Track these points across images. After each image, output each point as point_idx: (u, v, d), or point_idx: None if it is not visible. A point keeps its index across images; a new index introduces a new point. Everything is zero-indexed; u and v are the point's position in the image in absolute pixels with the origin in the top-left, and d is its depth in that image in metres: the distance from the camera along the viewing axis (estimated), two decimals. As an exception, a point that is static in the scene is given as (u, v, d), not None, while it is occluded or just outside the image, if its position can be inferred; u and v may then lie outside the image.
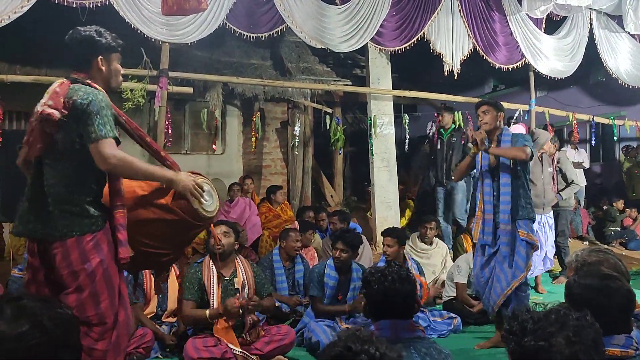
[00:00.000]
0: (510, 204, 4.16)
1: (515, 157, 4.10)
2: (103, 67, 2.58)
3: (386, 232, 5.18)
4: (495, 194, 4.23)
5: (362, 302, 4.23)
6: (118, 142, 2.48)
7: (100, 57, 2.57)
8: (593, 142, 9.52)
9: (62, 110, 2.38)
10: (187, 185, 2.59)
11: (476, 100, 8.70)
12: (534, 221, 4.28)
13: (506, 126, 4.43)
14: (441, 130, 7.31)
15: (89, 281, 2.44)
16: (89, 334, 2.45)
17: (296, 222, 6.94)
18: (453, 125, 7.26)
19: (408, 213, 8.41)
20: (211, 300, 3.90)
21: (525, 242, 4.15)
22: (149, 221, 2.68)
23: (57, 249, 2.43)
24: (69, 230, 2.43)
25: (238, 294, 3.83)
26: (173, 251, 2.89)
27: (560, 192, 6.63)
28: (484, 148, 4.16)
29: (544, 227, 6.15)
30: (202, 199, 2.66)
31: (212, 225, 3.03)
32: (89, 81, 2.52)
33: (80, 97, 2.41)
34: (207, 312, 3.81)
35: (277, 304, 4.69)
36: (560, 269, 6.81)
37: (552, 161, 6.53)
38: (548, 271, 6.65)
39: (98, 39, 2.58)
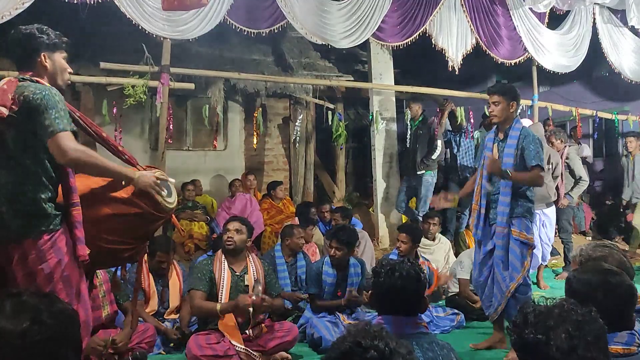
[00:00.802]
0: (509, 205, 3.97)
1: (533, 184, 3.99)
2: (47, 64, 2.54)
3: (402, 229, 5.21)
4: (496, 191, 4.06)
5: (354, 293, 4.28)
6: (76, 137, 2.44)
7: (43, 54, 2.53)
8: (595, 137, 9.49)
9: (11, 107, 2.32)
10: (147, 182, 2.61)
11: (478, 95, 8.75)
12: (531, 220, 4.08)
13: (518, 117, 4.14)
14: (410, 121, 7.18)
15: (47, 282, 2.38)
16: None
17: (296, 218, 6.93)
18: (422, 117, 7.11)
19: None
20: (220, 295, 3.89)
21: (520, 241, 3.96)
22: (111, 216, 2.66)
23: (13, 250, 2.37)
24: (25, 230, 2.38)
25: (250, 292, 3.78)
26: (135, 245, 2.87)
27: (570, 193, 6.52)
28: (508, 177, 3.92)
29: (534, 223, 5.99)
30: (162, 192, 2.70)
31: (173, 217, 3.04)
32: (37, 78, 2.48)
33: (32, 92, 2.37)
34: (219, 306, 3.78)
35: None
36: (563, 264, 6.80)
37: (561, 157, 6.41)
38: (545, 266, 6.58)
39: (39, 35, 2.54)
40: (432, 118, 7.25)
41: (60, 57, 2.60)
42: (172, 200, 2.80)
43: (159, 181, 2.67)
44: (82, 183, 2.59)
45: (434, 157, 6.83)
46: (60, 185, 2.51)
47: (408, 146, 7.07)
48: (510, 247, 3.98)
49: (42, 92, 2.38)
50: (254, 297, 3.69)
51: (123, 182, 2.64)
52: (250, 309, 3.69)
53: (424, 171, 6.83)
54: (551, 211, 6.09)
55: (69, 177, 2.51)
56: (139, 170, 2.71)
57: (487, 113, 8.17)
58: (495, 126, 4.18)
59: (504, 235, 3.98)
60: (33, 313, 1.28)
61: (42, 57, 2.53)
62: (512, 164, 3.97)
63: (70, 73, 2.68)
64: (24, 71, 2.52)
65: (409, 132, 7.19)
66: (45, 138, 2.35)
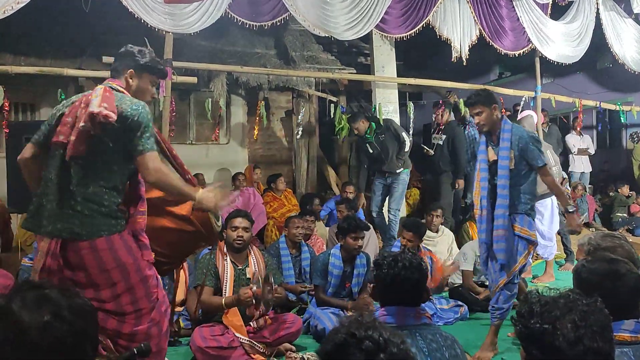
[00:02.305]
0: (507, 208, 3.88)
1: (555, 184, 4.08)
2: (131, 81, 2.68)
3: (408, 227, 5.12)
4: (495, 191, 3.97)
5: (364, 300, 4.27)
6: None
7: (131, 70, 2.66)
8: (600, 128, 9.46)
9: (116, 113, 2.43)
10: (212, 203, 2.74)
11: (482, 87, 8.73)
12: (534, 217, 4.02)
13: (506, 118, 4.07)
14: (365, 135, 6.72)
15: (122, 277, 2.52)
16: (125, 322, 2.55)
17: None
18: (373, 126, 6.70)
19: (412, 200, 8.40)
20: (224, 289, 3.93)
21: (519, 237, 3.89)
22: (167, 230, 2.85)
23: (85, 249, 2.46)
24: (97, 230, 2.48)
25: (250, 284, 3.83)
26: (175, 260, 3.07)
27: None
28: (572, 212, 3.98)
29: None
30: (218, 215, 2.93)
31: (219, 241, 3.31)
32: (123, 91, 2.61)
33: (129, 106, 2.49)
34: (223, 300, 3.84)
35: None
36: (565, 255, 6.80)
37: None
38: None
39: (137, 55, 2.69)
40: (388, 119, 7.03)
41: (147, 80, 2.73)
42: (219, 224, 2.99)
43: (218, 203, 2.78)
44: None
45: (406, 149, 6.64)
46: (130, 192, 2.63)
47: (372, 153, 6.71)
48: (511, 242, 3.91)
49: (138, 108, 2.50)
50: (254, 288, 3.72)
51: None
52: (253, 300, 3.73)
53: (402, 168, 6.64)
54: (542, 204, 6.00)
55: (140, 185, 2.65)
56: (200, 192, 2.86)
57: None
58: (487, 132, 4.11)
59: (501, 237, 3.90)
60: (54, 307, 1.27)
61: (129, 74, 2.67)
62: (508, 167, 3.92)
63: (153, 97, 2.81)
64: (114, 80, 2.65)
65: (367, 144, 6.75)
66: (136, 155, 2.48)
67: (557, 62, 8.25)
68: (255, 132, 7.76)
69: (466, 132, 7.44)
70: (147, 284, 2.61)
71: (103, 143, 2.47)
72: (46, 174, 2.57)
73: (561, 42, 8.11)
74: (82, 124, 2.42)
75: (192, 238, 2.94)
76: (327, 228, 6.67)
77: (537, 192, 4.11)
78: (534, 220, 4.05)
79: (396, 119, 7.61)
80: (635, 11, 8.32)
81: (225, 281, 3.95)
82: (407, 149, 6.66)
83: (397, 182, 6.69)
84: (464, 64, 7.43)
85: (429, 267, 5.08)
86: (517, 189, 3.93)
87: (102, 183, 2.50)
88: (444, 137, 7.32)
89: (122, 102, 2.50)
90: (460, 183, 7.24)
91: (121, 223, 2.55)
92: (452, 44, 7.39)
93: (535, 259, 6.69)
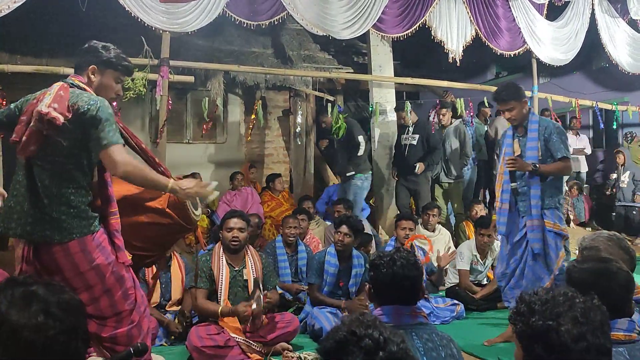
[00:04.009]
0: (540, 198, 3.97)
1: (562, 175, 4.09)
2: (93, 77, 2.60)
3: (404, 217, 5.19)
4: (523, 184, 4.04)
5: (360, 301, 4.27)
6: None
7: (93, 66, 2.59)
8: (601, 126, 9.47)
9: (66, 114, 2.37)
10: (190, 191, 2.65)
11: (478, 86, 8.75)
12: (562, 210, 4.14)
13: (533, 110, 4.15)
14: (332, 129, 6.78)
15: (99, 279, 2.49)
16: (106, 325, 2.53)
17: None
18: (341, 124, 6.77)
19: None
20: (219, 290, 3.91)
21: (554, 232, 3.98)
22: (144, 225, 2.82)
23: (58, 252, 2.43)
24: (69, 232, 2.43)
25: (252, 300, 3.78)
26: (157, 253, 3.06)
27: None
28: (536, 171, 3.93)
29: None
30: (195, 204, 2.88)
31: (199, 230, 3.21)
32: (85, 86, 2.54)
33: (86, 102, 2.42)
34: (220, 309, 3.81)
35: (279, 292, 4.70)
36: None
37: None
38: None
39: (100, 51, 2.63)
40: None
41: (110, 77, 2.65)
42: (198, 213, 2.95)
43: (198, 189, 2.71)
44: (115, 190, 2.66)
45: (359, 153, 6.45)
46: (99, 193, 2.58)
47: (329, 150, 6.67)
48: (547, 239, 3.99)
49: (95, 103, 2.43)
50: (254, 306, 3.70)
51: (164, 193, 2.77)
52: (251, 317, 3.72)
53: (353, 172, 6.47)
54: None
55: (108, 186, 2.59)
56: (174, 180, 2.80)
57: (485, 103, 8.21)
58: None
59: (536, 227, 3.98)
60: (44, 305, 1.26)
61: (91, 69, 2.60)
62: (536, 157, 3.97)
63: (117, 95, 2.71)
64: (76, 76, 2.59)
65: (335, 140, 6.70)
66: (98, 150, 2.42)
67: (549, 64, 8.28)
68: (249, 131, 7.75)
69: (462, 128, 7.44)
70: (124, 286, 2.57)
71: (58, 142, 2.41)
72: (15, 175, 2.53)
73: (551, 44, 8.11)
74: (32, 124, 2.37)
75: (170, 230, 2.93)
76: (325, 227, 6.67)
77: (563, 186, 4.19)
78: (562, 214, 4.15)
79: (393, 118, 7.62)
80: (631, 15, 8.34)
81: (220, 283, 3.93)
82: (360, 153, 6.44)
83: (349, 187, 6.50)
84: (457, 64, 7.44)
85: (422, 256, 5.15)
86: (543, 183, 3.99)
87: (67, 184, 2.46)
88: (416, 136, 7.01)
89: (79, 98, 2.44)
90: (421, 166, 6.83)
91: (93, 223, 2.51)
92: (445, 45, 7.38)
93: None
